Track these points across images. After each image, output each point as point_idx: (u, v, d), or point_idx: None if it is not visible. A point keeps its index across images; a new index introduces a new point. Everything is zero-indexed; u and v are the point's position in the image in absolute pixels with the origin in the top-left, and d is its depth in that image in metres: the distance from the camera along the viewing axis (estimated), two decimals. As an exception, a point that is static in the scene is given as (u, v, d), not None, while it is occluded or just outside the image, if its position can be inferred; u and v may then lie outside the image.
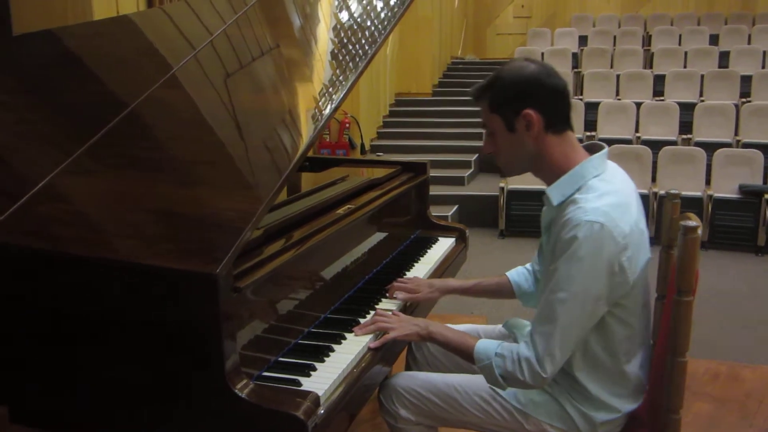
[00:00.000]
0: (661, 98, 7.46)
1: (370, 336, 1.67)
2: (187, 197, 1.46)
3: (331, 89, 1.84)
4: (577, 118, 6.87)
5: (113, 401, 1.37)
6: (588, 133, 6.84)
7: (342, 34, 2.16)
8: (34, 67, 2.25)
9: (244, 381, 1.28)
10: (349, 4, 2.41)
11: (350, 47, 2.01)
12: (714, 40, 9.17)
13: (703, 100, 7.23)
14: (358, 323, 1.73)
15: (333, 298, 1.85)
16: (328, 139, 7.12)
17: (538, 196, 6.30)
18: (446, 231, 2.64)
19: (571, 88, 7.71)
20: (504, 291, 1.98)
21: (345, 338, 1.65)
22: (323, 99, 1.78)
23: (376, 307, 1.86)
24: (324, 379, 1.44)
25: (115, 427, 1.40)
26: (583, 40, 9.81)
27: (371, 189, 2.25)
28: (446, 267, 2.35)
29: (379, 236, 2.21)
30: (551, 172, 1.58)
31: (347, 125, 7.21)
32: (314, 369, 1.48)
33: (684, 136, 6.71)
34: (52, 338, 1.38)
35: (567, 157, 1.56)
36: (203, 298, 1.23)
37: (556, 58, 8.84)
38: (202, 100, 1.93)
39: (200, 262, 1.23)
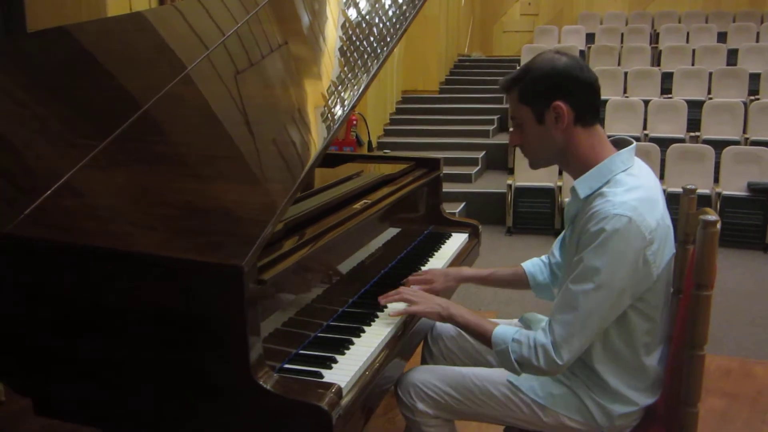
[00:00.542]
0: (669, 96, 7.44)
1: (390, 329, 1.68)
2: (211, 191, 1.48)
3: (348, 86, 1.85)
4: (585, 115, 6.86)
5: (137, 394, 1.39)
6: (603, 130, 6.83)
7: (359, 32, 2.16)
8: (48, 63, 2.27)
9: (268, 373, 1.30)
10: (365, 3, 2.41)
11: (366, 45, 2.02)
12: (722, 37, 9.14)
13: (711, 98, 7.22)
14: (377, 317, 1.74)
15: (351, 291, 1.87)
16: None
17: (546, 194, 6.30)
18: (459, 227, 2.65)
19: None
20: (519, 281, 1.99)
21: (364, 331, 1.66)
22: (342, 95, 1.79)
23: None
24: (345, 371, 1.46)
25: (139, 420, 1.42)
26: (590, 38, 9.79)
27: (386, 184, 2.26)
28: (460, 262, 2.36)
29: (393, 231, 2.22)
30: (579, 165, 1.59)
31: (354, 122, 7.21)
32: (335, 361, 1.50)
33: (692, 134, 6.70)
34: (77, 331, 1.39)
35: (595, 150, 1.57)
36: (229, 290, 1.24)
37: (564, 55, 8.82)
38: (220, 96, 1.95)
39: (226, 254, 1.25)
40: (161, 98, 1.85)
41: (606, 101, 7.05)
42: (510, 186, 6.09)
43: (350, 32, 2.19)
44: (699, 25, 9.63)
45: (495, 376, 1.71)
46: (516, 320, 1.98)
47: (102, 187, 1.55)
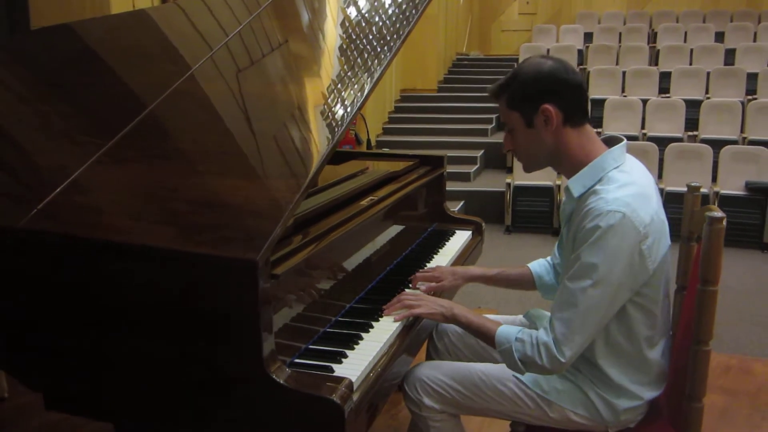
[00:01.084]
0: (667, 95, 7.47)
1: (398, 325, 1.70)
2: (223, 186, 1.49)
3: (357, 84, 1.86)
4: (584, 114, 6.88)
5: (149, 388, 1.40)
6: (594, 130, 6.84)
7: (368, 31, 2.17)
8: (52, 61, 2.27)
9: (281, 367, 1.31)
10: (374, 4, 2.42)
11: (375, 44, 2.03)
12: (720, 37, 9.18)
13: (709, 97, 7.25)
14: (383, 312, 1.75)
15: (358, 287, 1.88)
16: (335, 135, 7.12)
17: (545, 192, 6.30)
18: (462, 224, 2.66)
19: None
20: (525, 282, 2.01)
21: (372, 327, 1.67)
22: (351, 93, 1.80)
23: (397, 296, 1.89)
24: (355, 365, 1.47)
25: (150, 414, 1.43)
26: (588, 37, 9.82)
27: (391, 182, 2.27)
28: (464, 259, 2.38)
29: (398, 228, 2.23)
30: (571, 165, 1.61)
31: (354, 121, 7.22)
32: (345, 356, 1.51)
33: (690, 133, 6.73)
34: (89, 326, 1.40)
35: (586, 149, 1.60)
36: (243, 284, 1.25)
37: (562, 54, 8.81)
38: (228, 93, 1.96)
39: (240, 249, 1.26)
40: (169, 96, 1.85)
41: (604, 100, 7.08)
42: (509, 185, 6.11)
43: (359, 31, 2.20)
44: (697, 24, 9.66)
45: (501, 371, 1.72)
46: (520, 317, 1.99)
47: (114, 182, 1.55)
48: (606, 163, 1.58)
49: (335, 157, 2.64)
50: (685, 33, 9.42)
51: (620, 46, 8.96)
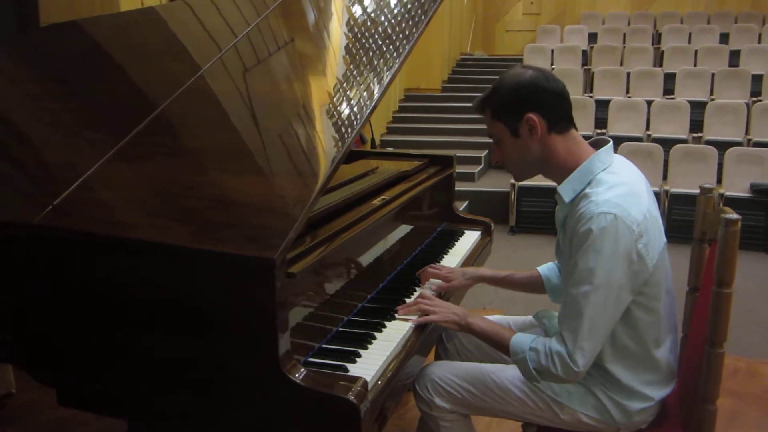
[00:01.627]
0: (672, 96, 7.46)
1: (410, 325, 1.69)
2: (239, 184, 1.49)
3: (372, 84, 1.86)
4: (588, 115, 6.87)
5: (164, 385, 1.40)
6: (598, 131, 6.85)
7: (381, 31, 2.17)
8: (62, 58, 2.27)
9: (297, 366, 1.31)
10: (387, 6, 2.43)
11: (390, 45, 2.03)
12: (724, 38, 9.16)
13: (713, 99, 7.24)
14: (396, 313, 1.75)
15: (369, 287, 1.88)
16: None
17: (549, 193, 6.27)
18: (471, 224, 2.66)
19: (580, 85, 7.82)
20: (534, 285, 2.01)
21: (385, 327, 1.68)
22: (365, 94, 1.80)
23: (412, 297, 1.89)
24: (370, 365, 1.47)
25: (165, 412, 1.43)
26: (592, 38, 9.80)
27: (402, 181, 2.27)
28: (474, 259, 2.38)
29: (408, 228, 2.23)
30: (560, 170, 1.62)
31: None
32: (359, 355, 1.51)
33: (695, 135, 6.72)
34: (104, 322, 1.40)
35: (573, 154, 1.61)
36: (260, 283, 1.25)
37: (566, 55, 8.85)
38: (241, 91, 1.96)
39: (258, 247, 1.26)
40: (180, 94, 1.85)
41: (608, 101, 7.06)
42: (513, 185, 6.10)
43: (372, 32, 2.20)
44: (701, 25, 9.65)
45: (513, 372, 1.72)
46: (530, 318, 1.99)
47: (129, 180, 1.56)
48: (593, 165, 1.59)
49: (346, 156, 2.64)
50: (690, 34, 9.40)
51: (624, 47, 8.95)
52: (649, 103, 6.94)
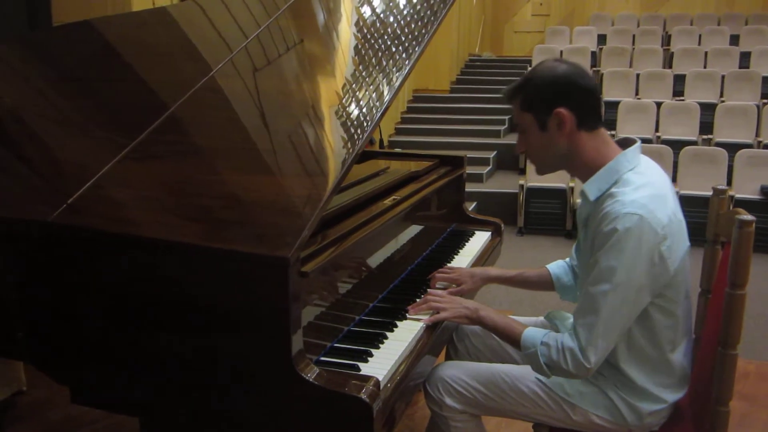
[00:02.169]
0: (681, 98, 7.43)
1: (422, 324, 1.69)
2: (253, 183, 1.49)
3: (383, 85, 1.86)
4: (597, 116, 6.85)
5: (176, 383, 1.40)
6: (608, 132, 6.83)
7: (391, 33, 2.18)
8: (74, 57, 2.28)
9: (309, 365, 1.31)
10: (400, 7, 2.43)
11: (399, 47, 2.03)
12: (734, 40, 9.12)
13: (723, 101, 7.21)
14: (408, 312, 1.75)
15: (381, 287, 1.88)
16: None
17: (558, 194, 6.27)
18: (481, 225, 2.66)
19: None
20: (544, 283, 2.01)
21: (396, 326, 1.67)
22: (377, 94, 1.80)
23: (422, 297, 1.89)
24: (381, 364, 1.47)
25: (177, 411, 1.43)
26: (602, 39, 9.77)
27: (413, 181, 2.27)
28: (484, 260, 2.37)
29: (419, 228, 2.23)
30: (586, 168, 1.61)
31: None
32: (371, 355, 1.51)
33: (704, 137, 6.69)
34: (117, 320, 1.41)
35: (600, 152, 1.59)
36: (273, 281, 1.25)
37: (575, 56, 8.81)
38: (254, 91, 1.96)
39: (272, 246, 1.26)
40: (193, 93, 1.86)
41: (618, 103, 7.04)
42: (522, 186, 6.10)
43: (381, 33, 2.20)
44: (711, 27, 9.60)
45: (524, 373, 1.72)
46: (541, 318, 1.98)
47: (143, 178, 1.56)
48: (621, 165, 1.57)
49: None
50: (700, 36, 9.36)
51: (634, 49, 8.92)
52: (659, 104, 6.91)
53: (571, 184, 5.95)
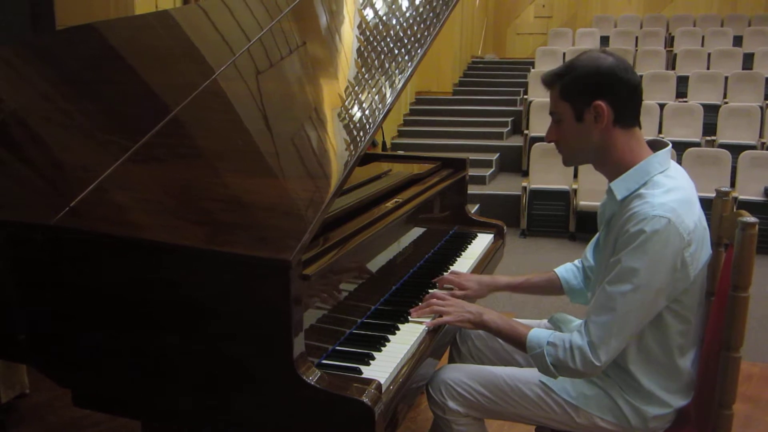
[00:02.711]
0: (685, 99, 7.42)
1: (424, 327, 1.69)
2: (254, 185, 1.49)
3: (385, 87, 1.86)
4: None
5: (179, 387, 1.40)
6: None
7: (394, 35, 2.18)
8: (77, 60, 2.29)
9: (311, 368, 1.31)
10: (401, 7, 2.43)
11: (402, 49, 2.03)
12: (738, 41, 9.10)
13: (726, 102, 7.19)
14: (410, 315, 1.75)
15: (383, 289, 1.88)
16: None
17: (561, 196, 6.26)
18: (484, 227, 2.66)
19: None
20: (553, 287, 1.99)
21: (399, 329, 1.67)
22: (379, 97, 1.80)
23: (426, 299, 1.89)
24: (384, 367, 1.47)
25: (179, 413, 1.43)
26: (604, 41, 9.76)
27: (414, 184, 2.27)
28: (487, 262, 2.37)
29: (421, 230, 2.23)
30: (615, 166, 1.59)
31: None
32: (373, 358, 1.51)
33: (708, 138, 6.68)
34: (119, 323, 1.41)
35: (632, 152, 1.57)
36: (275, 284, 1.25)
37: (578, 58, 8.80)
38: (257, 94, 1.96)
39: (273, 249, 1.26)
40: (195, 96, 1.86)
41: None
42: (525, 188, 6.09)
43: (384, 35, 2.20)
44: (714, 28, 9.58)
45: (527, 376, 1.71)
46: (545, 321, 1.98)
47: (145, 181, 1.56)
48: (651, 166, 1.55)
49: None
50: (703, 37, 9.35)
51: (637, 50, 8.90)
52: (662, 106, 6.91)
53: (575, 186, 5.94)
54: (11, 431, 2.57)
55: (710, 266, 1.89)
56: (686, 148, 6.01)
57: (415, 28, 2.14)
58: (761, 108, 6.76)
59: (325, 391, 1.27)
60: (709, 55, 8.47)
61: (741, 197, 5.58)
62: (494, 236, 2.59)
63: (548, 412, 1.69)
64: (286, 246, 1.25)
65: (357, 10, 2.41)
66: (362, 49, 2.16)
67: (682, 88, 7.72)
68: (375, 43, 2.14)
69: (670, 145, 1.62)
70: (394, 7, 2.36)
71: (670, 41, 9.68)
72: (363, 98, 1.82)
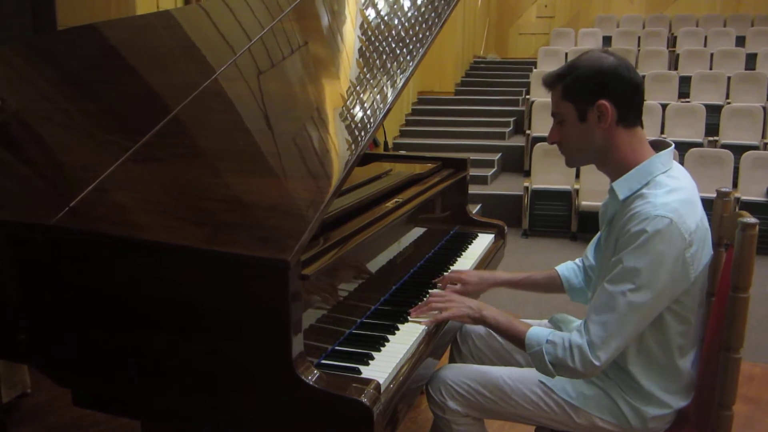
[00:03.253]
0: (687, 100, 7.41)
1: (424, 327, 1.69)
2: (254, 186, 1.49)
3: (385, 87, 1.86)
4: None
5: (177, 386, 1.40)
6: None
7: (395, 35, 2.18)
8: (78, 60, 2.29)
9: (310, 367, 1.31)
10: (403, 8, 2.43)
11: (404, 48, 2.03)
12: (740, 41, 9.09)
13: (729, 102, 7.18)
14: (410, 315, 1.75)
15: (383, 289, 1.88)
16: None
17: (563, 196, 6.24)
18: (485, 227, 2.66)
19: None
20: (553, 285, 1.99)
21: (398, 329, 1.67)
22: (380, 96, 1.80)
23: (425, 299, 1.89)
24: (383, 367, 1.47)
25: (178, 413, 1.43)
26: (607, 41, 9.76)
27: (415, 184, 2.27)
28: (487, 262, 2.37)
29: (422, 230, 2.23)
30: (618, 165, 1.58)
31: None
32: (372, 358, 1.51)
33: (710, 138, 6.67)
34: (118, 323, 1.41)
35: (635, 151, 1.57)
36: (274, 284, 1.25)
37: (580, 58, 8.79)
38: (256, 94, 1.96)
39: (272, 249, 1.26)
40: (195, 96, 1.86)
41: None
42: (527, 188, 6.09)
43: (386, 35, 2.20)
44: (717, 28, 9.57)
45: (527, 376, 1.71)
46: (545, 321, 1.98)
47: (145, 181, 1.56)
48: (654, 166, 1.55)
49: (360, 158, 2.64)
50: (705, 37, 9.34)
51: (639, 50, 8.89)
52: (664, 106, 6.90)
53: (576, 186, 5.94)
54: (12, 431, 2.57)
55: (711, 267, 1.89)
56: (688, 148, 6.00)
57: (417, 28, 2.14)
58: (764, 108, 6.74)
59: (324, 391, 1.27)
60: (711, 55, 8.46)
61: (743, 198, 5.57)
62: (495, 236, 2.59)
63: (548, 412, 1.69)
64: (285, 246, 1.25)
65: (359, 9, 2.41)
66: (364, 48, 2.16)
67: (684, 88, 7.71)
68: (377, 43, 2.14)
69: (673, 145, 1.61)
70: (396, 6, 2.36)
71: (672, 41, 9.67)
72: (361, 98, 1.82)
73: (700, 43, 9.20)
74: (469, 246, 2.43)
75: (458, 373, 1.75)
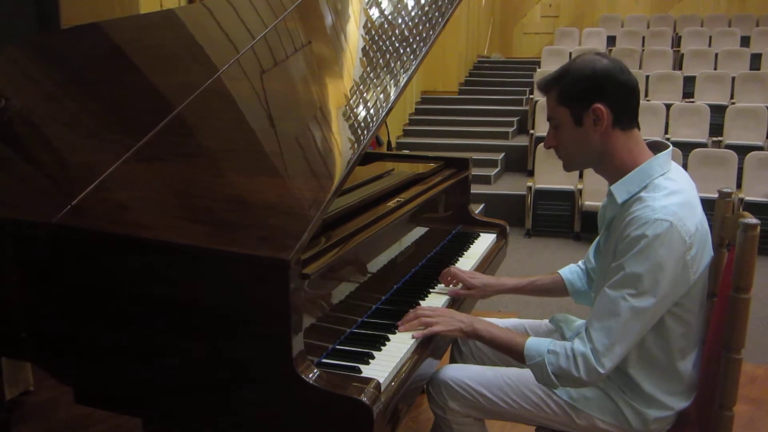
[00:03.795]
0: (691, 100, 7.39)
1: (421, 328, 1.68)
2: (255, 185, 1.49)
3: (386, 86, 1.86)
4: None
5: (177, 385, 1.40)
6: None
7: (398, 34, 2.18)
8: (82, 59, 2.30)
9: (310, 366, 1.31)
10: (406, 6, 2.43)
11: (407, 47, 2.03)
12: (745, 41, 9.06)
13: (734, 103, 7.16)
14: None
15: (384, 288, 1.88)
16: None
17: (566, 196, 6.23)
18: (487, 227, 2.65)
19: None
20: (557, 289, 1.99)
21: (399, 329, 1.67)
22: (382, 95, 1.80)
23: (426, 299, 1.89)
24: (383, 367, 1.47)
25: (178, 412, 1.44)
26: (611, 41, 9.74)
27: (417, 183, 2.27)
28: (489, 262, 2.37)
29: (423, 230, 2.23)
30: (615, 169, 1.58)
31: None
32: (372, 357, 1.51)
33: (714, 139, 6.65)
34: (120, 322, 1.41)
35: (632, 154, 1.56)
36: (274, 283, 1.25)
37: (584, 58, 8.77)
38: (258, 93, 1.96)
39: (272, 248, 1.26)
40: (198, 95, 1.86)
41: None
42: (530, 188, 6.08)
43: (389, 34, 2.20)
44: (722, 28, 9.55)
45: (528, 376, 1.70)
46: (546, 321, 1.98)
47: (146, 180, 1.57)
48: (652, 169, 1.54)
49: (362, 158, 2.64)
50: (710, 37, 9.31)
51: (644, 50, 8.88)
52: (668, 106, 6.88)
53: (580, 186, 5.93)
54: (15, 428, 2.58)
55: (713, 267, 1.88)
56: (692, 148, 5.99)
57: (420, 27, 2.14)
58: (769, 109, 6.73)
59: (324, 390, 1.28)
60: (716, 55, 8.43)
61: (747, 198, 5.56)
62: (497, 236, 2.59)
63: (549, 413, 1.69)
64: (286, 245, 1.25)
65: (362, 9, 2.41)
66: (367, 48, 2.16)
67: (688, 88, 7.69)
68: (380, 42, 2.14)
69: (671, 146, 1.60)
70: (399, 5, 2.35)
71: (677, 41, 9.64)
72: (364, 97, 1.82)
73: (705, 43, 9.18)
74: (471, 246, 2.43)
75: (459, 374, 1.75)
